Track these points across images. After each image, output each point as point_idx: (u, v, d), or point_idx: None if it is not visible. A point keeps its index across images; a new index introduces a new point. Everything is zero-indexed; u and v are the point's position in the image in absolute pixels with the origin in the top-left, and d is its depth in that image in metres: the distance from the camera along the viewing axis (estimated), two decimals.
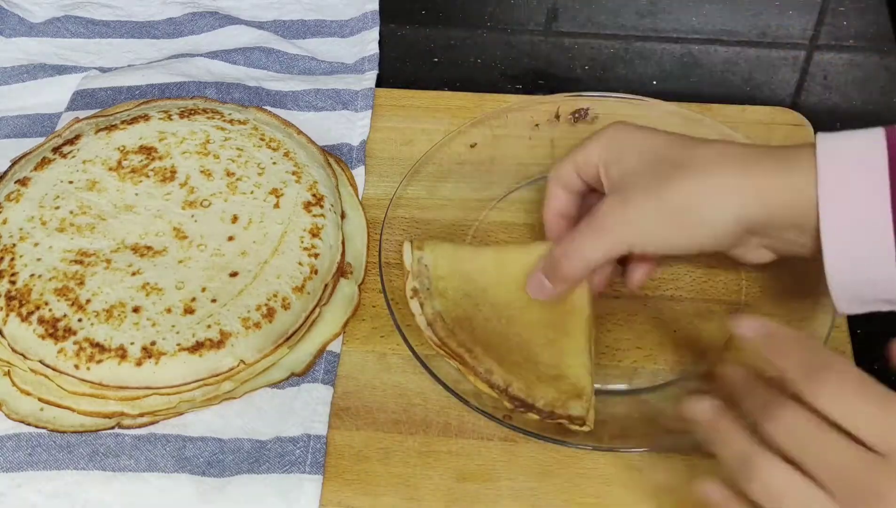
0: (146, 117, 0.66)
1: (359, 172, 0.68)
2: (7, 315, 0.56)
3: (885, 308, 0.49)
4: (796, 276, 0.60)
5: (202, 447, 0.54)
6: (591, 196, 0.56)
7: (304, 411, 0.55)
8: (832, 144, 0.47)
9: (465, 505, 0.52)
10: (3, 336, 0.56)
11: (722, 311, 0.59)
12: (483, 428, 0.54)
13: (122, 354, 0.54)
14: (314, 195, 0.62)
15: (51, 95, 0.74)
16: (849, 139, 0.47)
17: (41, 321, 0.55)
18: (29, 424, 0.55)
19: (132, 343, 0.54)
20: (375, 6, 0.81)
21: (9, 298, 0.56)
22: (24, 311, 0.56)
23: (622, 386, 0.56)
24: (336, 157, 0.68)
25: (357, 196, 0.66)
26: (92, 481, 0.53)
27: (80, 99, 0.73)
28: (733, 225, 0.49)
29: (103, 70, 0.76)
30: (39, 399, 0.55)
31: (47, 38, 0.79)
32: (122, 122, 0.66)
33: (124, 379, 0.54)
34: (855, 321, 0.58)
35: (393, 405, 0.56)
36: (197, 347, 0.54)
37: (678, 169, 0.50)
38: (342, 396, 0.56)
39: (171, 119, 0.66)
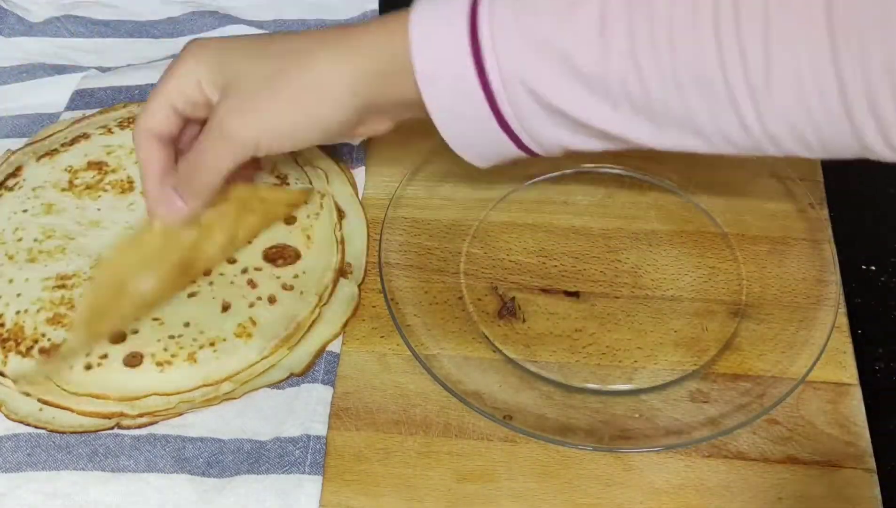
0: (86, 136, 0.66)
1: (359, 172, 0.68)
2: (6, 357, 0.55)
3: (509, 160, 0.52)
4: (797, 275, 0.60)
5: (202, 447, 0.54)
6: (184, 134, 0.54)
7: (304, 411, 0.55)
8: (423, 7, 0.48)
9: (465, 506, 0.51)
10: (4, 377, 0.55)
11: (722, 311, 0.59)
12: (483, 428, 0.54)
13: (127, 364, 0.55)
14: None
15: (50, 95, 0.74)
16: (437, 3, 0.48)
17: (42, 351, 0.55)
18: (28, 424, 0.54)
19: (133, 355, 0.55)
20: (375, 6, 0.81)
21: (2, 341, 0.56)
22: (22, 348, 0.55)
23: (622, 386, 0.56)
24: (336, 157, 0.68)
25: (357, 196, 0.66)
26: (91, 481, 0.53)
27: (80, 99, 0.73)
28: (351, 98, 0.49)
29: (103, 70, 0.76)
30: (39, 400, 0.55)
31: (47, 37, 0.79)
32: (62, 144, 0.66)
33: (130, 389, 0.54)
34: (855, 322, 0.58)
35: (393, 405, 0.56)
36: (193, 354, 0.55)
37: (286, 60, 0.50)
38: (342, 396, 0.56)
39: (111, 133, 0.66)
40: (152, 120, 0.52)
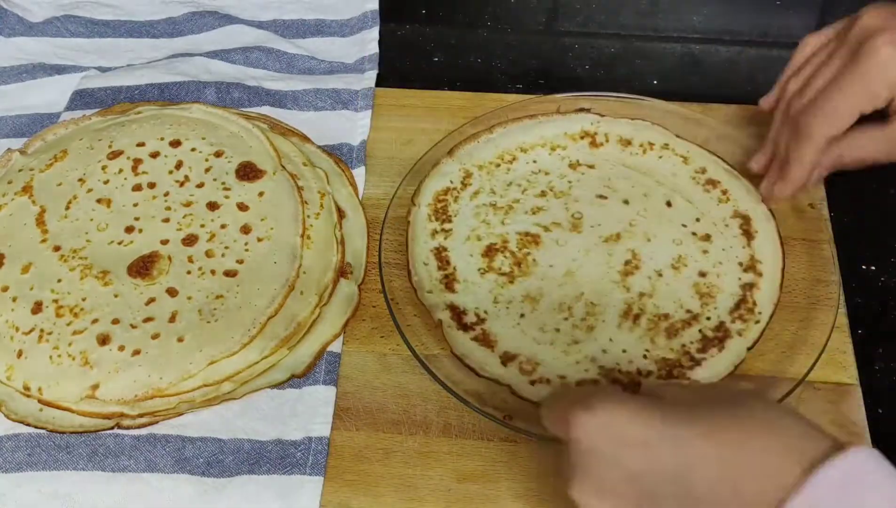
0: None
1: (359, 173, 0.68)
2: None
3: None
4: (797, 275, 0.60)
5: (202, 447, 0.54)
6: None
7: (306, 412, 0.55)
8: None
9: (465, 506, 0.51)
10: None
11: None
12: (483, 429, 0.54)
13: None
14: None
15: (50, 95, 0.74)
16: None
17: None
18: (28, 424, 0.55)
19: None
20: (375, 5, 0.81)
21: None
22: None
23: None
24: (336, 157, 0.68)
25: (357, 196, 0.66)
26: (91, 481, 0.53)
27: (80, 99, 0.73)
28: None
29: (103, 70, 0.76)
30: (39, 400, 0.55)
31: (47, 37, 0.79)
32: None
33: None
34: (855, 322, 0.58)
35: (393, 405, 0.56)
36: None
37: None
38: (342, 396, 0.56)
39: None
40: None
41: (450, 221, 0.63)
